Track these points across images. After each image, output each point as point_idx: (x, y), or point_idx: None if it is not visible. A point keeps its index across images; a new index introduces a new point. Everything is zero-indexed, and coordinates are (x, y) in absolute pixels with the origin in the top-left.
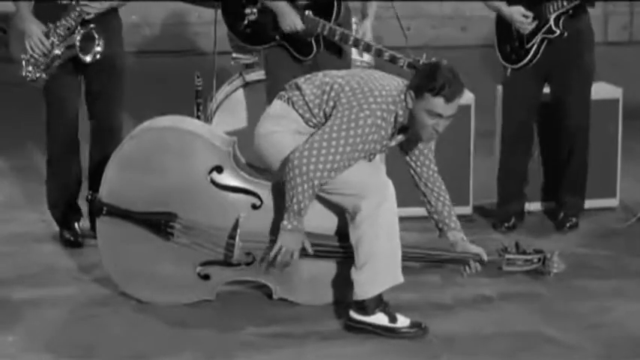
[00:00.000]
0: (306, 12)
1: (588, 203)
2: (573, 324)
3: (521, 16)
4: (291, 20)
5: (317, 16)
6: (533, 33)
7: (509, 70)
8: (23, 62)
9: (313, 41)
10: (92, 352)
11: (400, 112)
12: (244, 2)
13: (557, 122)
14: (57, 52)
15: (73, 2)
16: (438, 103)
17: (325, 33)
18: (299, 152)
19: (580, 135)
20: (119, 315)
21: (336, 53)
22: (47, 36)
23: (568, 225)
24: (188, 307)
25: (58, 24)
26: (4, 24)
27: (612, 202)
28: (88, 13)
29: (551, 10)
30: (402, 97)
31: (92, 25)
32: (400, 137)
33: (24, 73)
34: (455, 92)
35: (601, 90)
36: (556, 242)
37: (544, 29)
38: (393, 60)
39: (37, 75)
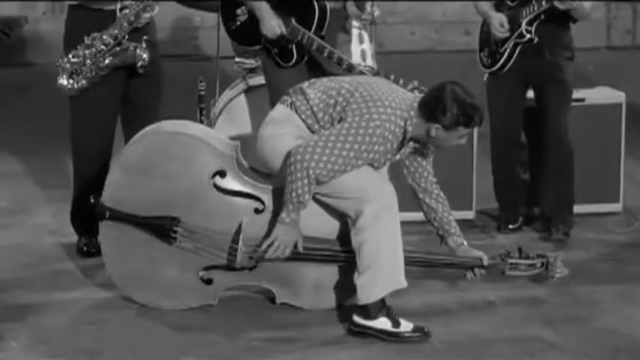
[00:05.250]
0: (291, 19)
1: (591, 208)
2: (576, 329)
3: (498, 24)
4: (270, 25)
5: (301, 25)
6: (507, 38)
7: (485, 75)
8: (59, 70)
9: (294, 49)
10: (96, 356)
11: (409, 129)
12: (238, 3)
13: (539, 131)
14: (106, 61)
15: (124, 11)
16: (470, 130)
17: (305, 41)
18: (302, 147)
19: (561, 148)
20: (122, 319)
21: (319, 70)
22: (90, 45)
23: (559, 237)
24: (191, 312)
25: (104, 33)
26: (7, 28)
27: (615, 207)
28: (139, 23)
29: (524, 15)
30: (412, 113)
31: (146, 37)
32: (404, 150)
33: (62, 82)
34: (482, 113)
35: (604, 94)
36: (556, 246)
37: (515, 34)
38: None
39: (79, 84)
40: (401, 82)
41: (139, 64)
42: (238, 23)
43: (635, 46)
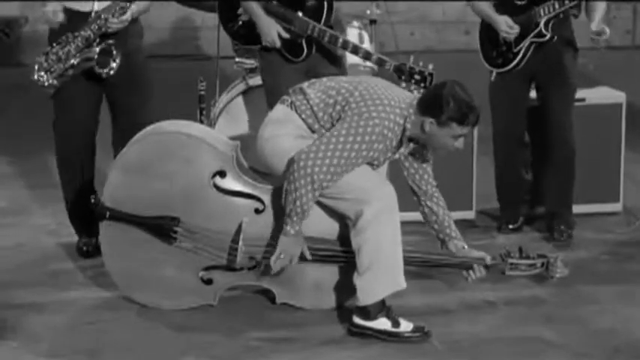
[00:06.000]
0: (298, 13)
1: (591, 208)
2: (577, 329)
3: (506, 27)
4: (270, 36)
5: (307, 17)
6: (522, 37)
7: (493, 74)
8: (36, 66)
9: (304, 43)
10: (96, 356)
11: (408, 126)
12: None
13: (543, 129)
14: (72, 61)
15: (94, 13)
16: (464, 129)
17: (315, 34)
18: (305, 154)
19: (564, 147)
20: (122, 320)
21: (329, 58)
22: (64, 44)
23: (561, 240)
24: (191, 312)
25: (76, 34)
26: (8, 28)
27: (615, 207)
28: (109, 28)
29: (542, 14)
30: (411, 111)
31: (111, 41)
32: (403, 150)
33: (35, 77)
34: (478, 115)
35: (604, 94)
36: (559, 247)
37: (533, 33)
38: (380, 63)
39: (50, 81)
40: (421, 63)
41: (104, 70)
42: (240, 23)
43: (635, 46)
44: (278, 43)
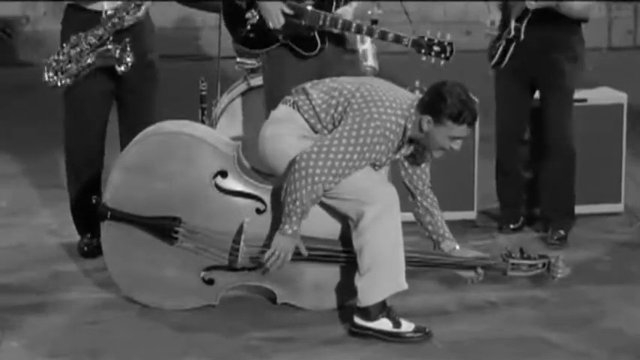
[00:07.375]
0: (308, 7)
1: (593, 208)
2: (577, 329)
3: (489, 22)
4: (275, 14)
5: (318, 9)
6: (500, 35)
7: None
8: (45, 67)
9: (317, 36)
10: (97, 356)
11: (409, 127)
12: (244, 8)
13: (542, 131)
14: (89, 60)
15: (108, 12)
16: (460, 129)
17: (327, 23)
18: (306, 154)
19: (562, 154)
20: (124, 320)
21: (342, 47)
22: (76, 44)
23: (554, 242)
24: (192, 312)
25: (89, 32)
26: (9, 28)
27: (617, 207)
28: (124, 24)
29: (513, 13)
30: (412, 111)
31: (127, 39)
32: (404, 151)
33: (45, 79)
34: (475, 114)
35: (605, 95)
36: (553, 248)
37: (505, 32)
38: (397, 40)
39: (62, 82)
40: (439, 34)
41: (122, 67)
42: (249, 27)
43: (636, 47)
44: (282, 21)
